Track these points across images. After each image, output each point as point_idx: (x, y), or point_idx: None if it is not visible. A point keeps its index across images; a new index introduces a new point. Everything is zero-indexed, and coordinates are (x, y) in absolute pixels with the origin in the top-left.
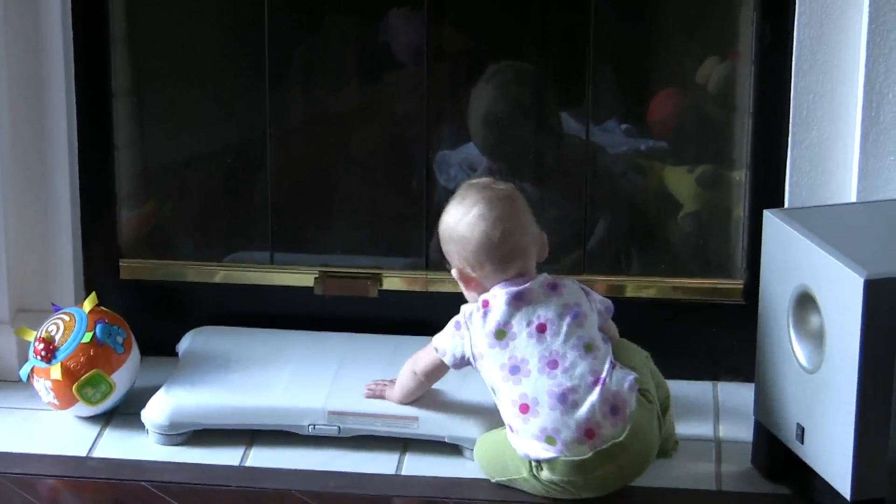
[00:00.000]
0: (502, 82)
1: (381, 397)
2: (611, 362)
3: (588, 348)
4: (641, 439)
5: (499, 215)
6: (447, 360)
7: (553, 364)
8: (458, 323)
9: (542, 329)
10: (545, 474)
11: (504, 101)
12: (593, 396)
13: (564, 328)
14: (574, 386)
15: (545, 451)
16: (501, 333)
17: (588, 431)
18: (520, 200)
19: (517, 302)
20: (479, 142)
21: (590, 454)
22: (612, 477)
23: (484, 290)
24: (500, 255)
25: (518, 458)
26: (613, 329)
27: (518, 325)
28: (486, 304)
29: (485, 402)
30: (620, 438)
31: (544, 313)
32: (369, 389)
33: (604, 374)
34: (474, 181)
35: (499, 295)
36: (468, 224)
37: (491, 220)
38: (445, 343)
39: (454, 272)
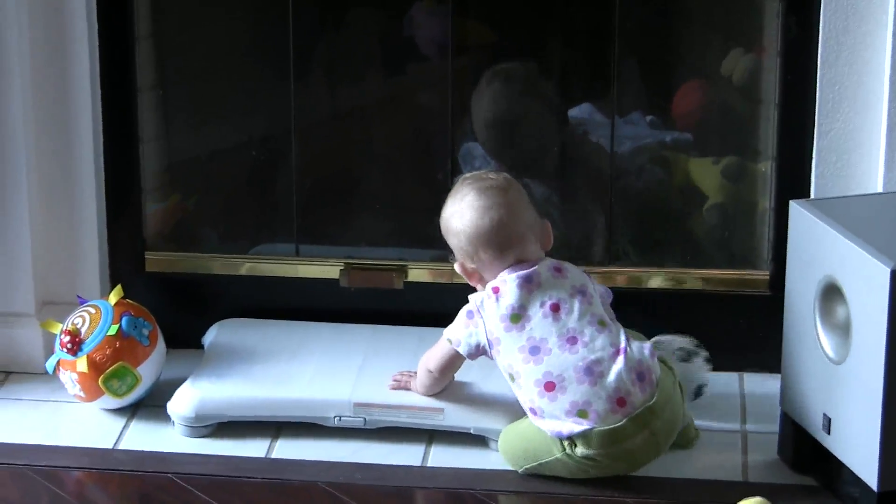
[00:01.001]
0: (521, 78)
1: (407, 389)
2: (626, 335)
3: (602, 324)
4: (670, 404)
5: (487, 204)
6: (462, 350)
7: (573, 340)
8: (469, 312)
9: (555, 308)
10: (580, 450)
11: (523, 96)
12: (619, 365)
13: (577, 306)
14: (598, 358)
15: (578, 426)
16: (516, 317)
17: (619, 400)
18: (513, 190)
19: (528, 285)
20: (485, 138)
21: (623, 421)
22: (645, 447)
23: (486, 281)
24: (495, 243)
25: (547, 440)
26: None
27: (532, 308)
28: (496, 290)
29: (510, 394)
30: (651, 402)
31: (556, 294)
32: (394, 381)
33: (623, 345)
34: (467, 175)
35: (508, 280)
36: (459, 215)
37: (479, 209)
38: (459, 333)
39: (457, 267)
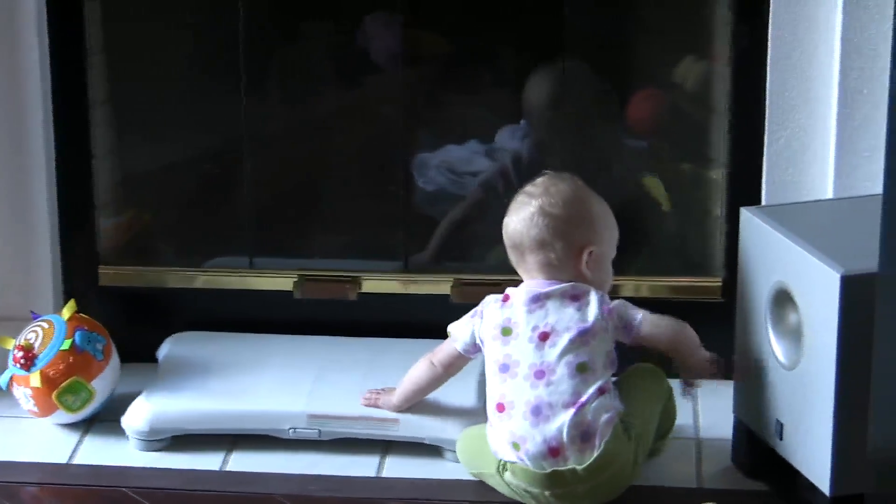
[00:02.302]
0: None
1: (376, 406)
2: (599, 388)
3: (581, 368)
4: (609, 470)
5: (512, 209)
6: (460, 346)
7: (540, 374)
8: (475, 311)
9: (543, 337)
10: (507, 476)
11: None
12: (565, 417)
13: (565, 343)
14: (551, 402)
15: (510, 454)
16: (507, 331)
17: (552, 449)
18: (547, 201)
19: (532, 304)
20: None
21: (548, 471)
22: (575, 497)
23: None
24: (509, 248)
25: (490, 453)
26: (658, 329)
27: (524, 328)
28: (506, 297)
29: (465, 404)
30: (579, 467)
31: (553, 322)
32: (365, 399)
33: (584, 399)
34: (544, 173)
35: (520, 294)
36: None
37: (508, 211)
38: (460, 330)
39: None
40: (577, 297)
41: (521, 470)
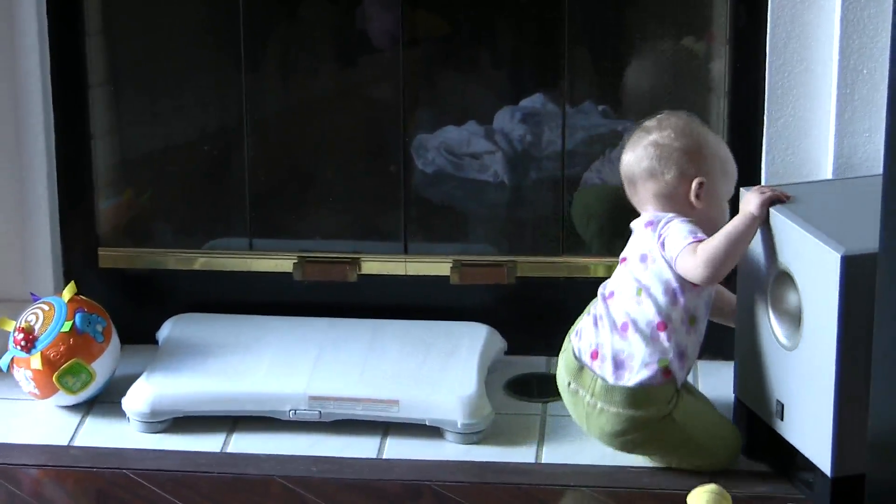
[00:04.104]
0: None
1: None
2: (657, 323)
3: (638, 292)
4: (624, 411)
5: (629, 145)
6: None
7: (610, 295)
8: None
9: (623, 261)
10: (560, 357)
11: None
12: (609, 338)
13: (630, 266)
14: (605, 320)
15: (571, 337)
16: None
17: (594, 353)
18: (657, 135)
19: (632, 236)
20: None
21: (580, 365)
22: (583, 407)
23: None
24: (627, 182)
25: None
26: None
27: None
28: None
29: (466, 386)
30: (602, 381)
31: (632, 247)
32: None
33: (630, 328)
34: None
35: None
36: None
37: (624, 150)
38: None
39: None
40: (652, 224)
41: (565, 353)
